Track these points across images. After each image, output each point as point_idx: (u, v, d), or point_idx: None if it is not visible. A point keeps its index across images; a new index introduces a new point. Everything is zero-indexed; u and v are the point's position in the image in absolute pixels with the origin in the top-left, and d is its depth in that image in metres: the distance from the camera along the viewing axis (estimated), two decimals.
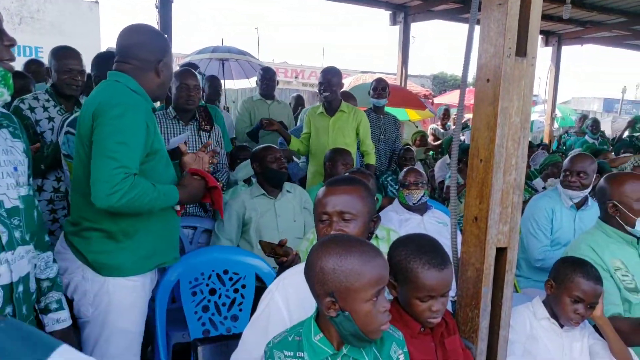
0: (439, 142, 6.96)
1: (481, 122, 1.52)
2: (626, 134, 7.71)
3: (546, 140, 9.23)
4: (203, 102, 3.37)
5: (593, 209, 2.97)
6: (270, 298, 1.44)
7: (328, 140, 3.81)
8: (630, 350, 1.87)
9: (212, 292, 2.21)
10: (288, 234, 2.86)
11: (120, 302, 1.85)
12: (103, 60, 2.56)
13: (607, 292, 2.00)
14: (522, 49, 1.48)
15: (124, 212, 1.75)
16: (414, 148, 6.02)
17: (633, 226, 2.12)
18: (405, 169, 3.23)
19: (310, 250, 1.20)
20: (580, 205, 3.03)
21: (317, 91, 3.99)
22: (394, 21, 7.32)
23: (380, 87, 4.40)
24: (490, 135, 1.49)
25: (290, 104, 5.98)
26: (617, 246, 2.16)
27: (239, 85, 8.21)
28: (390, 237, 2.29)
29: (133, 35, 1.92)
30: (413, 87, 9.12)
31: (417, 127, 7.79)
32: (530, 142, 6.96)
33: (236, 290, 2.24)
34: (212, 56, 6.38)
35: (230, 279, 2.25)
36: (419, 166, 4.53)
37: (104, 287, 1.85)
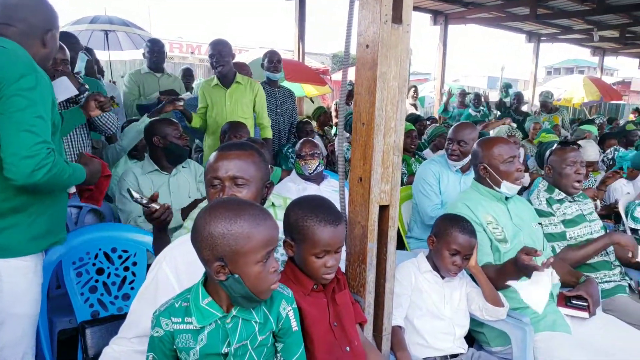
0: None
1: (362, 86, 1.59)
2: (500, 99, 8.52)
3: (436, 115, 9.84)
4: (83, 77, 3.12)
5: None
6: (159, 268, 1.41)
7: (225, 113, 3.75)
8: (500, 293, 2.10)
9: (100, 271, 2.10)
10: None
11: (14, 286, 1.73)
12: None
13: (480, 244, 2.22)
14: (398, 16, 1.56)
15: (41, 189, 1.67)
16: (314, 123, 6.13)
17: (499, 186, 2.36)
18: (300, 141, 3.28)
19: (198, 215, 1.18)
20: (465, 169, 3.26)
21: (210, 65, 3.89)
22: None
23: (275, 60, 4.36)
24: (370, 99, 1.57)
25: (178, 76, 5.77)
26: (489, 203, 2.39)
27: (128, 57, 7.63)
28: (287, 204, 2.32)
29: None
30: (311, 64, 9.20)
31: (312, 101, 7.89)
32: (421, 116, 7.40)
33: (126, 269, 2.15)
34: (90, 27, 5.85)
35: (120, 257, 2.15)
36: (318, 140, 4.61)
37: None
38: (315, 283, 1.46)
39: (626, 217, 3.08)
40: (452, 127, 3.28)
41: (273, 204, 2.23)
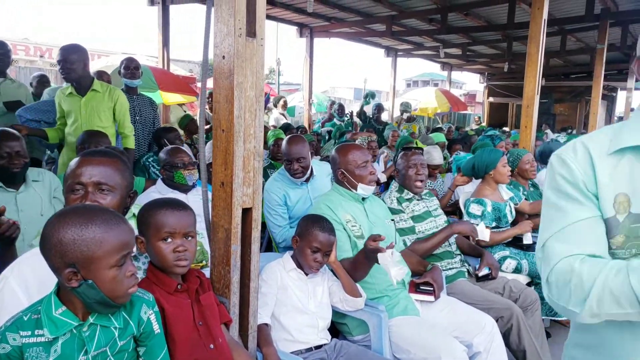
0: (209, 125, 7.06)
1: (221, 95, 1.66)
2: (361, 107, 9.17)
3: (305, 124, 10.20)
4: None
5: (319, 176, 3.33)
6: (4, 284, 1.33)
7: (81, 122, 3.53)
8: (358, 285, 2.30)
9: None
10: (34, 229, 2.57)
11: None
12: None
13: (341, 241, 2.41)
14: (252, 30, 1.66)
15: None
16: (181, 132, 5.99)
17: (356, 189, 2.58)
18: (171, 149, 3.16)
19: (47, 222, 1.16)
20: (308, 179, 3.29)
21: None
22: (151, 2, 7.06)
23: (132, 67, 4.21)
24: (229, 108, 1.64)
25: (31, 84, 5.24)
26: (348, 203, 2.60)
27: None
28: None
29: None
30: (178, 71, 8.97)
31: (185, 111, 7.72)
32: (291, 125, 7.64)
33: None
34: None
35: None
36: (187, 148, 4.52)
37: None
38: (179, 283, 1.49)
39: (464, 212, 3.53)
40: (285, 146, 3.16)
41: (134, 215, 2.19)
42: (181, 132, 5.87)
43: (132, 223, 2.00)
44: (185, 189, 3.13)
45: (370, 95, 9.15)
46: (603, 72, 8.24)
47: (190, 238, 1.50)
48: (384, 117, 10.92)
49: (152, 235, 1.46)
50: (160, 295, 1.40)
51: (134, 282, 1.19)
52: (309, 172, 3.23)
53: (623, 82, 12.74)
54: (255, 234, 1.77)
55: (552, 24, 8.26)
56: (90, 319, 1.17)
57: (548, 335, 3.33)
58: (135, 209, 2.16)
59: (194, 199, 3.14)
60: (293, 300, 2.15)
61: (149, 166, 3.74)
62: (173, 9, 7.26)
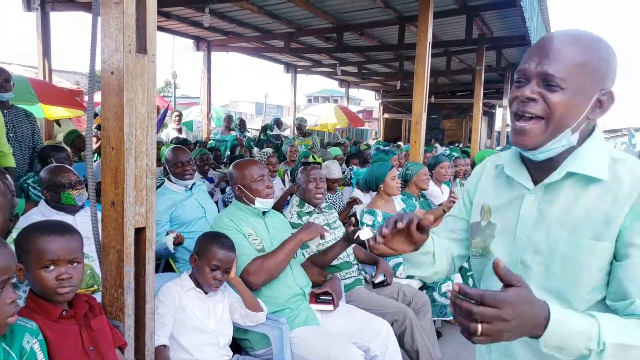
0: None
1: (109, 112, 1.61)
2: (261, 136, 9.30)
3: (205, 138, 10.00)
4: None
5: (200, 185, 3.58)
6: None
7: None
8: (259, 300, 2.32)
9: None
10: None
11: None
12: None
13: (243, 247, 2.43)
14: (142, 46, 1.63)
15: None
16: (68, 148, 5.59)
17: (254, 203, 2.61)
18: (54, 167, 2.94)
19: None
20: (192, 186, 3.43)
21: None
22: (28, 7, 6.50)
23: (2, 79, 3.86)
24: (119, 125, 1.60)
25: None
26: (249, 218, 2.62)
27: None
28: None
29: None
30: (62, 83, 8.37)
31: (60, 125, 7.23)
32: (188, 140, 7.48)
33: None
34: None
35: None
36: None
37: None
38: (64, 309, 1.41)
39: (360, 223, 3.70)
40: (173, 154, 3.41)
41: (15, 240, 2.03)
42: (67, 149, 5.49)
43: (14, 248, 1.86)
44: (72, 210, 2.93)
45: (269, 128, 9.36)
46: (482, 91, 9.09)
47: (76, 264, 1.42)
48: (286, 132, 11.08)
49: (33, 262, 1.37)
50: (42, 324, 1.31)
51: (14, 311, 1.12)
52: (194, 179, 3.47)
53: (500, 100, 14.15)
54: (150, 254, 1.72)
55: (437, 45, 8.97)
56: None
57: (439, 334, 3.59)
58: (16, 233, 2.00)
59: (82, 220, 2.95)
60: (192, 320, 2.11)
61: (28, 188, 3.38)
62: (54, 15, 6.75)
